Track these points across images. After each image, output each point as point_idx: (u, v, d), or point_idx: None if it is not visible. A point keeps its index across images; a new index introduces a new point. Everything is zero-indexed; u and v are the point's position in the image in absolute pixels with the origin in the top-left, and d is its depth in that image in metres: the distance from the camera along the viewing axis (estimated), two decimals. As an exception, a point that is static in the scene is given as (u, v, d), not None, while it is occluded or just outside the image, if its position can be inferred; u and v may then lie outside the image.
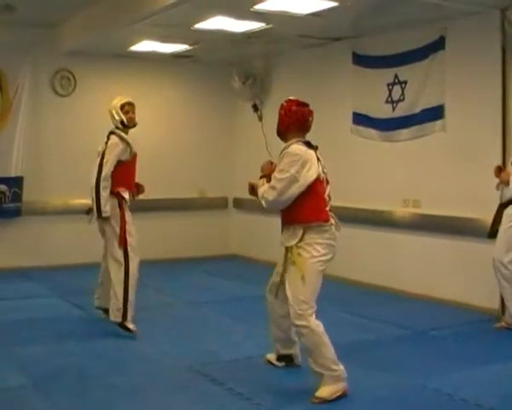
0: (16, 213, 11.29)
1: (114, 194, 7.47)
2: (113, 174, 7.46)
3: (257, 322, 7.11)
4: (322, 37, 10.33)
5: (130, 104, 7.68)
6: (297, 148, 5.59)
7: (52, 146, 11.52)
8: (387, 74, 9.72)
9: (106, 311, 7.73)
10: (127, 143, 7.57)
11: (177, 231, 12.11)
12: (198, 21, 9.09)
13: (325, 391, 5.45)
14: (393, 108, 9.70)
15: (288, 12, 8.53)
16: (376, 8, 8.50)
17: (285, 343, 6.16)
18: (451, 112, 8.92)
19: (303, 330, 5.52)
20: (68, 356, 6.70)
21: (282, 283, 5.75)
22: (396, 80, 9.62)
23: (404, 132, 9.54)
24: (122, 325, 7.34)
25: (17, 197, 11.24)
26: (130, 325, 7.34)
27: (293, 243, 5.57)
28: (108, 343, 7.17)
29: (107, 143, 7.61)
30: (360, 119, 10.25)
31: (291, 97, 5.87)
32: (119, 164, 7.50)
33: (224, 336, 7.41)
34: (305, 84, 11.19)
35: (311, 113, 5.78)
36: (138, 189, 7.95)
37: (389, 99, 9.75)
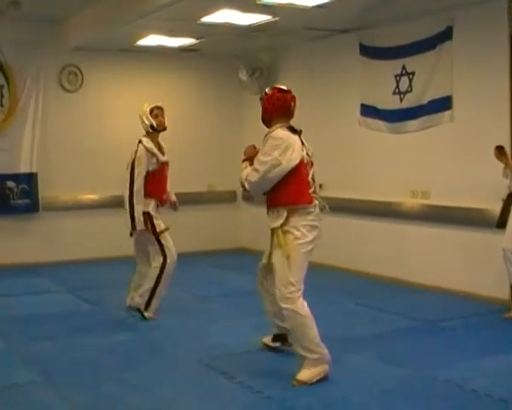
0: (25, 209, 11.31)
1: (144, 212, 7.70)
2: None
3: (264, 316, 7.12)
4: (328, 29, 10.31)
5: (159, 108, 7.95)
6: (280, 132, 5.70)
7: (60, 141, 11.55)
8: (395, 65, 9.70)
9: (138, 310, 7.88)
10: (153, 154, 7.74)
11: (186, 225, 12.10)
12: (204, 15, 9.09)
13: (306, 375, 5.60)
14: (401, 100, 9.68)
15: (294, 4, 8.52)
16: (383, -1, 8.50)
17: (282, 316, 6.11)
18: (459, 102, 8.90)
19: (289, 312, 5.63)
20: (79, 351, 6.71)
21: (270, 264, 5.91)
22: (403, 71, 9.60)
23: (412, 124, 9.52)
24: (140, 312, 7.75)
25: (26, 194, 11.26)
26: (148, 314, 7.73)
27: (277, 224, 5.68)
28: (119, 338, 7.18)
29: (136, 151, 7.75)
30: (368, 110, 10.24)
31: (274, 85, 6.09)
32: (146, 174, 7.71)
33: (233, 329, 7.42)
34: (312, 76, 11.20)
35: (293, 98, 5.88)
36: (171, 204, 8.16)
37: (397, 90, 9.72)
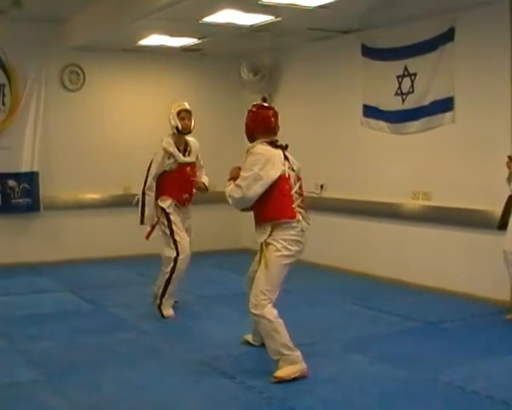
0: (26, 208, 11.31)
1: (156, 203, 7.97)
2: (160, 182, 7.97)
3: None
4: (331, 29, 10.31)
5: (187, 111, 8.06)
6: (260, 147, 5.85)
7: (61, 141, 11.54)
8: (397, 66, 9.70)
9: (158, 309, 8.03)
10: (170, 155, 7.90)
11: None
12: (206, 15, 9.08)
13: (283, 371, 5.71)
14: (403, 101, 9.67)
15: (296, 4, 8.52)
16: (385, 0, 8.47)
17: None
18: (461, 104, 8.89)
19: (257, 318, 5.80)
20: (79, 351, 6.72)
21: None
22: (405, 72, 9.60)
23: (414, 124, 9.52)
24: (159, 309, 7.91)
25: (27, 193, 11.26)
26: (168, 312, 7.90)
27: (262, 239, 5.84)
28: (119, 338, 7.19)
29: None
30: (370, 111, 10.23)
31: (254, 103, 6.32)
32: (163, 173, 7.95)
33: (234, 329, 7.41)
34: (314, 77, 11.20)
35: (273, 114, 6.05)
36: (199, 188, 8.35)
37: (399, 91, 9.72)
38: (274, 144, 5.93)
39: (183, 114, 8.01)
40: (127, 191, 11.93)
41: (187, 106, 8.11)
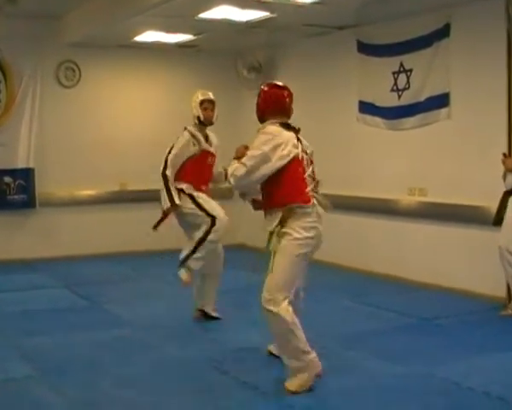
0: (22, 205, 11.29)
1: (178, 189, 7.37)
2: (180, 169, 7.42)
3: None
4: (326, 25, 10.30)
5: (210, 101, 7.58)
6: (271, 128, 5.45)
7: (57, 137, 11.53)
8: (393, 63, 9.69)
9: (200, 311, 7.67)
10: (197, 140, 7.49)
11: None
12: (202, 11, 9.07)
13: (293, 384, 5.35)
14: (399, 97, 9.67)
15: (291, 0, 8.51)
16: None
17: None
18: (457, 99, 8.89)
19: (271, 316, 5.31)
20: (75, 347, 6.71)
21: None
22: (401, 68, 9.59)
23: (410, 121, 9.52)
24: (180, 268, 7.35)
25: (23, 189, 11.25)
26: (185, 276, 7.35)
27: (273, 225, 5.38)
28: (115, 334, 7.19)
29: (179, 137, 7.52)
30: (366, 107, 10.23)
31: (268, 81, 5.80)
32: (186, 159, 7.44)
33: (229, 325, 7.41)
34: (310, 73, 11.19)
35: (288, 95, 5.65)
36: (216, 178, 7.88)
37: (395, 87, 9.71)
38: (287, 125, 5.51)
39: (206, 104, 7.53)
40: (123, 188, 11.96)
41: (211, 96, 7.63)
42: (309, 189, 5.43)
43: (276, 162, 5.31)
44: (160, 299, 8.84)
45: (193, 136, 7.46)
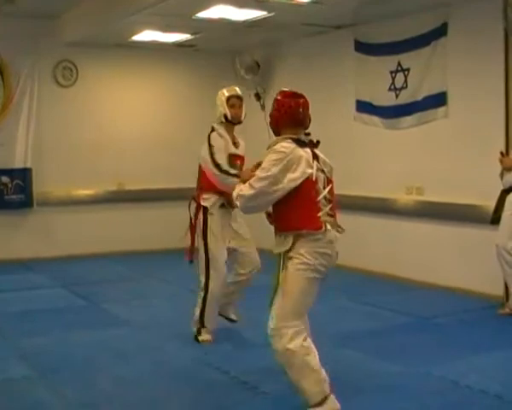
0: (19, 205, 11.29)
1: (197, 203, 6.92)
2: (201, 178, 6.98)
3: (263, 311, 7.09)
4: (323, 25, 10.30)
5: (238, 98, 6.92)
6: (284, 145, 4.87)
7: (54, 137, 11.53)
8: (390, 62, 9.69)
9: (227, 319, 7.24)
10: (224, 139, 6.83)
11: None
12: (199, 10, 9.07)
13: None
14: (396, 96, 9.67)
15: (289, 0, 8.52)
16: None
17: None
18: (454, 98, 8.90)
19: (279, 354, 4.90)
20: (73, 346, 6.70)
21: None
22: (399, 68, 9.59)
23: (408, 120, 9.53)
24: (195, 337, 6.86)
25: (20, 189, 11.24)
26: (204, 336, 6.82)
27: (282, 250, 4.95)
28: (113, 333, 7.18)
29: (209, 139, 6.80)
30: (363, 106, 10.23)
31: (284, 88, 5.31)
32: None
33: (227, 325, 7.40)
34: (307, 72, 11.18)
35: (304, 104, 5.17)
36: None
37: (392, 86, 9.72)
38: (300, 141, 4.97)
39: (233, 101, 6.85)
40: (121, 187, 11.96)
41: (238, 91, 6.98)
42: (322, 213, 5.03)
43: (286, 185, 4.81)
44: (159, 298, 8.84)
45: (221, 136, 6.82)
